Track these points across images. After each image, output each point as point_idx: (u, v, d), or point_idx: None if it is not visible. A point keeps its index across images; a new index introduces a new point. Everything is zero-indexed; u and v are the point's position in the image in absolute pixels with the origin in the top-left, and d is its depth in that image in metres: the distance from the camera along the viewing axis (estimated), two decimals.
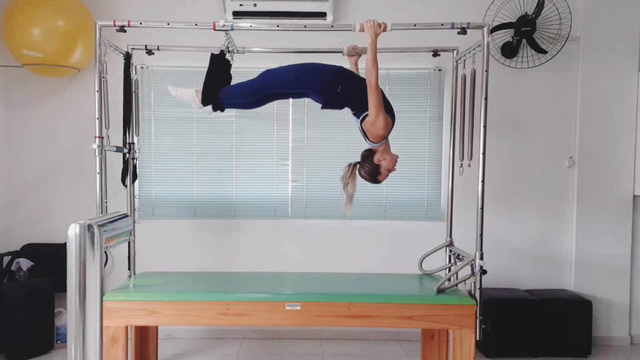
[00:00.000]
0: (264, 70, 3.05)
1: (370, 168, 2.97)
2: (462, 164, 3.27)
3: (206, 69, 3.10)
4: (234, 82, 3.13)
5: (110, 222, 2.75)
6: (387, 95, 2.97)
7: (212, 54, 3.12)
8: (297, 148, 4.18)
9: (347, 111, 3.07)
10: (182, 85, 3.13)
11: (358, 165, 3.02)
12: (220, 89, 3.06)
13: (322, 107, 3.03)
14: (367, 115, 2.88)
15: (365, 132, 2.93)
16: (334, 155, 4.16)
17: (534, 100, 4.20)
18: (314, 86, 2.98)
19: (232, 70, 3.20)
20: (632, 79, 4.13)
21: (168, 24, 2.96)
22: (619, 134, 4.15)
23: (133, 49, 3.34)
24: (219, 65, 3.12)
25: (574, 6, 4.06)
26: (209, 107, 3.05)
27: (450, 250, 3.37)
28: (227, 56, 3.16)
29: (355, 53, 3.24)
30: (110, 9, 4.08)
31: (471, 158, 3.17)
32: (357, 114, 2.99)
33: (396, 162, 2.99)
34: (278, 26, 3.06)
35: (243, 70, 4.04)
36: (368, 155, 2.99)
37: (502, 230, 4.20)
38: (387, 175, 3.00)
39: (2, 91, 4.09)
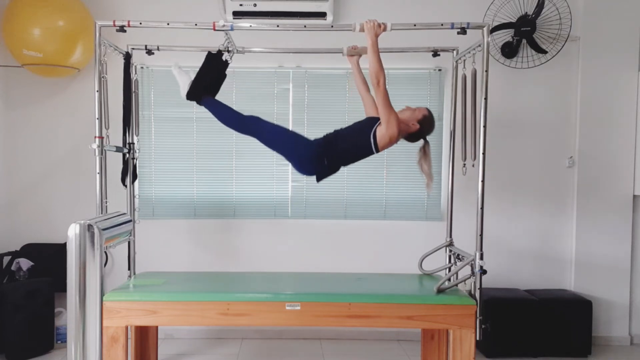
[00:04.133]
0: (254, 115, 2.99)
1: (421, 134, 3.03)
2: (464, 164, 3.26)
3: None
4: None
5: (110, 222, 2.75)
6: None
7: (209, 53, 3.11)
8: None
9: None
10: (188, 75, 3.09)
11: (425, 145, 3.08)
12: (206, 91, 3.05)
13: (318, 181, 3.00)
14: (378, 126, 2.85)
15: (387, 143, 2.88)
16: None
17: (534, 100, 4.20)
18: (292, 157, 2.94)
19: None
20: (632, 79, 4.13)
21: (168, 24, 2.95)
22: (619, 134, 4.15)
23: (133, 49, 3.33)
24: (214, 65, 3.11)
25: (574, 6, 4.06)
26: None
27: (450, 250, 3.37)
28: (225, 56, 3.15)
29: (356, 53, 3.23)
30: (110, 9, 4.08)
31: (475, 158, 3.16)
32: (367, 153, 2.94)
33: (405, 109, 3.01)
34: (278, 26, 3.05)
35: (243, 70, 4.08)
36: (409, 135, 3.03)
37: (502, 230, 4.20)
38: (418, 114, 3.01)
39: (2, 91, 4.09)
